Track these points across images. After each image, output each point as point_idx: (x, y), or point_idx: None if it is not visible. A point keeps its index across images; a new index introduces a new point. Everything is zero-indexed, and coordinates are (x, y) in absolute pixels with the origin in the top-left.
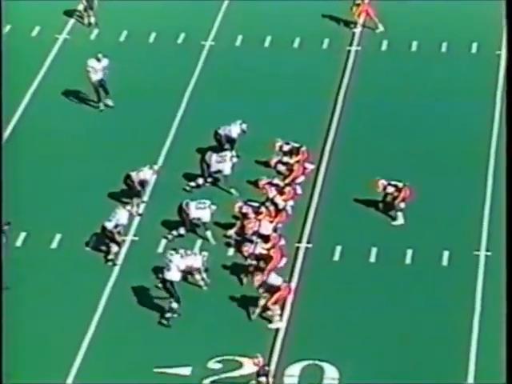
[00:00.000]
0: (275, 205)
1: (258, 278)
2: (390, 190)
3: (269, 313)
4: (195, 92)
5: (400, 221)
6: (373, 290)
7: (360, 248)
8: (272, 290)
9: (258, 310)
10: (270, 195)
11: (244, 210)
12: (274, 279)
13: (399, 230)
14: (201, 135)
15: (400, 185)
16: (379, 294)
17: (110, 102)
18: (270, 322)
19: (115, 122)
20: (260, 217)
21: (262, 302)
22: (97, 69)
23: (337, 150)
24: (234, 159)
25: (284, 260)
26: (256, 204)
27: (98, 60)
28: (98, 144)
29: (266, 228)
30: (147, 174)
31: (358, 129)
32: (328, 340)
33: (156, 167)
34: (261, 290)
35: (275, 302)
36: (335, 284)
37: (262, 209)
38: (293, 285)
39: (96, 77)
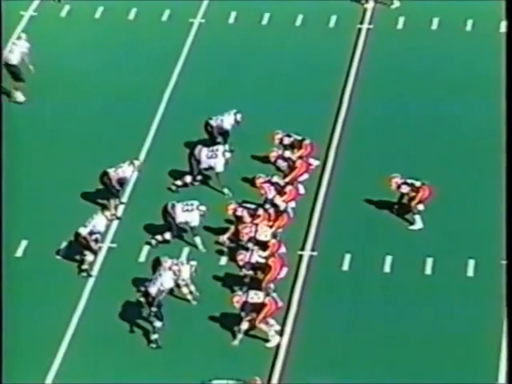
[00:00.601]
0: (275, 206)
1: (237, 300)
2: (406, 189)
3: (264, 329)
4: (182, 77)
5: (418, 225)
6: (387, 303)
7: (373, 256)
8: (256, 308)
9: (240, 336)
10: (269, 195)
11: (238, 213)
12: (255, 296)
13: (417, 236)
14: (189, 126)
15: (417, 183)
16: (395, 308)
17: (19, 96)
18: (267, 340)
19: (87, 110)
20: (257, 220)
21: (244, 326)
22: (16, 48)
23: (345, 144)
24: (228, 154)
25: (285, 270)
26: (252, 206)
27: (20, 39)
28: (70, 137)
29: (264, 233)
30: (127, 171)
31: (369, 119)
32: (335, 360)
33: (137, 163)
34: (243, 313)
35: (264, 320)
36: (344, 297)
37: (260, 211)
38: (295, 298)
39: (13, 56)
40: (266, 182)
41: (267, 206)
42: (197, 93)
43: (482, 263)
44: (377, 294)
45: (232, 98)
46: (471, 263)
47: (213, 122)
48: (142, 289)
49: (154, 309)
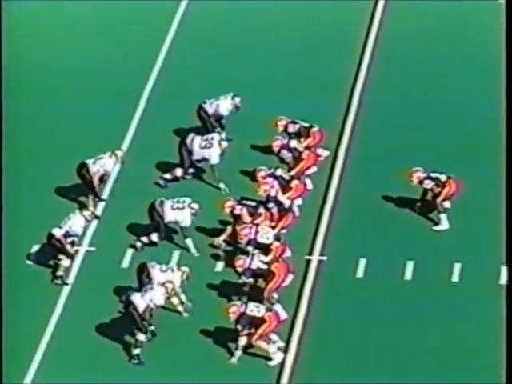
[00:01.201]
0: (279, 204)
1: (234, 310)
2: (430, 184)
3: (263, 346)
4: (170, 56)
5: (444, 225)
6: (408, 315)
7: (391, 262)
8: (255, 323)
9: (238, 353)
10: (272, 192)
11: (237, 211)
12: (255, 309)
13: (443, 238)
14: (179, 112)
15: (443, 178)
16: (417, 321)
17: None
18: (269, 358)
19: (62, 95)
20: (258, 220)
21: (242, 342)
22: None
23: (359, 133)
24: (224, 143)
25: (290, 278)
26: (253, 203)
27: None
28: (42, 124)
29: (266, 235)
30: (108, 163)
31: (386, 106)
32: (348, 380)
33: (120, 154)
34: (239, 326)
35: (262, 338)
36: (358, 309)
37: (261, 210)
38: (302, 310)
39: None
40: (268, 176)
41: (270, 204)
42: (187, 74)
43: None
44: (396, 304)
45: (228, 79)
46: (503, 270)
47: (207, 107)
48: (124, 298)
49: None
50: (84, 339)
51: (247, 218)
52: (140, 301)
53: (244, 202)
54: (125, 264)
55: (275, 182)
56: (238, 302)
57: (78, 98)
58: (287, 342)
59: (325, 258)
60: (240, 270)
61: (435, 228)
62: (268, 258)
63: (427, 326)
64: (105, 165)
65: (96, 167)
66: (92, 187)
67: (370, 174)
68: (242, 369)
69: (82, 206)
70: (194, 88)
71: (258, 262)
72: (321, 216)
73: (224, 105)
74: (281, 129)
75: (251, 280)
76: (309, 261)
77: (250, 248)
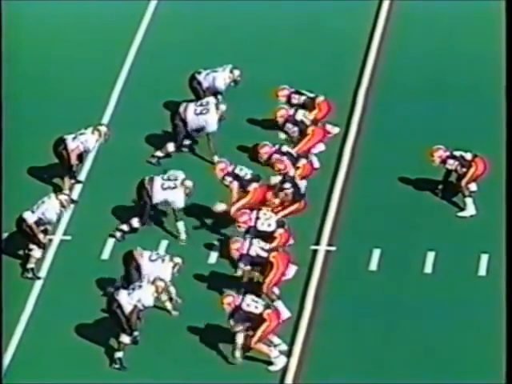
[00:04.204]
0: (295, 186)
1: (229, 302)
2: (453, 164)
3: (263, 350)
4: (156, 20)
5: (470, 211)
6: (428, 312)
7: (409, 253)
8: (251, 320)
9: (238, 352)
10: (290, 171)
11: (226, 182)
12: (252, 304)
13: (469, 226)
14: (168, 82)
15: (468, 156)
16: (437, 318)
17: None
18: (270, 363)
19: (36, 65)
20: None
21: (239, 339)
22: None
23: (373, 107)
24: (223, 107)
25: (292, 269)
26: (248, 174)
27: None
28: (18, 100)
29: (268, 221)
30: (90, 139)
31: (404, 76)
32: (360, 382)
33: (103, 129)
34: (232, 322)
35: (260, 340)
36: (371, 305)
37: (253, 186)
38: (308, 307)
39: None
40: (274, 153)
41: (287, 184)
42: (176, 41)
43: None
44: (415, 301)
45: (225, 48)
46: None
47: (201, 79)
48: (109, 294)
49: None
50: (58, 341)
51: (235, 193)
52: (127, 301)
53: (239, 170)
54: (105, 255)
55: (285, 158)
56: (235, 293)
57: (53, 69)
58: (291, 342)
59: (333, 248)
60: (236, 254)
61: (460, 214)
62: (270, 246)
63: (449, 324)
64: (86, 141)
65: (75, 143)
66: (69, 166)
67: (384, 152)
68: (242, 371)
69: (58, 189)
70: (185, 57)
71: (257, 247)
72: (329, 200)
73: (221, 77)
74: (283, 100)
75: (249, 268)
76: (315, 251)
77: (247, 235)
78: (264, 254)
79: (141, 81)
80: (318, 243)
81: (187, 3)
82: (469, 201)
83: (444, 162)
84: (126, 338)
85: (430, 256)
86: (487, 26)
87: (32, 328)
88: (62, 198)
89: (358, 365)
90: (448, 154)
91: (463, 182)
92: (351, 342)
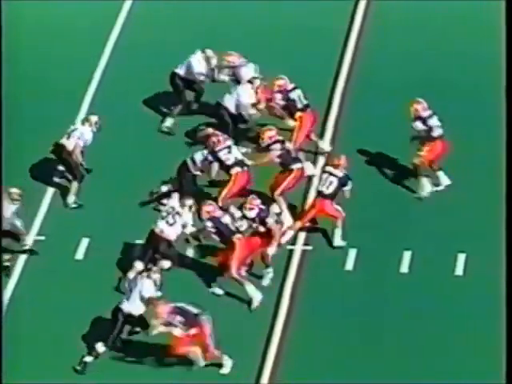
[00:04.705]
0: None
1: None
2: (419, 128)
3: (216, 354)
4: (132, 19)
5: (445, 181)
6: (405, 312)
7: (385, 252)
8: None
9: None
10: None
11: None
12: (231, 224)
13: (445, 226)
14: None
15: (436, 133)
16: (416, 319)
17: None
18: (220, 365)
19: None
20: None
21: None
22: None
23: (350, 104)
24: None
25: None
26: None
27: None
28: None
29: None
30: (85, 132)
31: (382, 71)
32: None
33: (94, 119)
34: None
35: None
36: (346, 303)
37: (235, 170)
38: (284, 306)
39: None
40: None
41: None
42: (153, 39)
43: None
44: (392, 300)
45: (198, 47)
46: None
47: (178, 70)
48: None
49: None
50: (31, 344)
51: (213, 173)
52: (128, 304)
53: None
54: (79, 255)
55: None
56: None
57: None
58: (267, 341)
59: (310, 247)
60: (206, 216)
61: (436, 189)
62: (245, 225)
63: (426, 324)
64: (82, 135)
65: (72, 142)
66: (76, 166)
67: (361, 151)
68: (216, 371)
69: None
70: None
71: (230, 219)
72: (305, 197)
73: (195, 60)
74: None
75: (212, 231)
76: (291, 251)
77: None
78: (231, 228)
79: (116, 80)
80: (293, 243)
81: (163, 3)
82: (440, 173)
83: (417, 118)
84: (101, 348)
85: (406, 255)
86: (469, 24)
87: (4, 330)
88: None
89: (335, 364)
90: (425, 114)
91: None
92: (327, 341)
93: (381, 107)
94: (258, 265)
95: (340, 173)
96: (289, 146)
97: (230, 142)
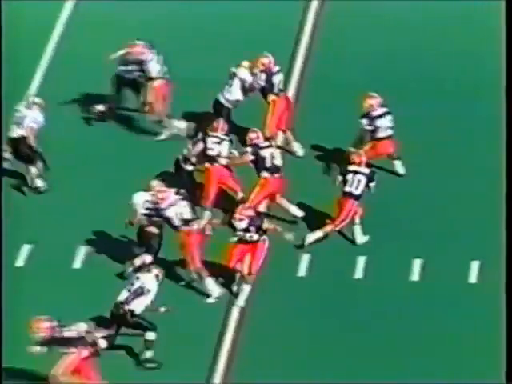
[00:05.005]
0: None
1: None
2: (365, 125)
3: None
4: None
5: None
6: (358, 320)
7: (336, 257)
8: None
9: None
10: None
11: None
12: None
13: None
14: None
15: (382, 134)
16: (368, 325)
17: None
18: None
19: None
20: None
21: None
22: None
23: (304, 104)
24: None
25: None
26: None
27: None
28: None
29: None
30: (34, 115)
31: (335, 71)
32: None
33: (38, 100)
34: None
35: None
36: (298, 305)
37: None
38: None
39: None
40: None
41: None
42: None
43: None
44: (341, 301)
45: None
46: (474, 266)
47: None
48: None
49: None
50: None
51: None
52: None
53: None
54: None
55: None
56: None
57: None
58: (219, 341)
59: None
60: (159, 201)
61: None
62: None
63: (384, 326)
64: (35, 118)
65: (24, 128)
66: (34, 153)
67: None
68: (168, 370)
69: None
70: None
71: (178, 212)
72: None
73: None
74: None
75: (156, 219)
76: None
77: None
78: (177, 224)
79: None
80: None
81: (106, 3)
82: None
83: (366, 116)
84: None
85: (361, 260)
86: (420, 24)
87: None
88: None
89: (287, 365)
90: (376, 113)
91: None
92: (280, 341)
93: (335, 105)
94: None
95: (366, 169)
96: (265, 153)
97: (223, 136)
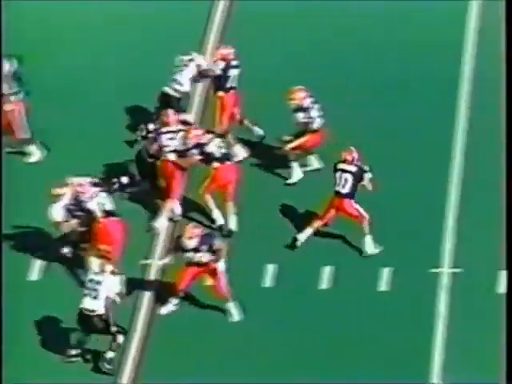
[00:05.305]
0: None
1: None
2: (300, 118)
3: None
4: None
5: (296, 176)
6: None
7: (248, 265)
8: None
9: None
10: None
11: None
12: None
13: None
14: None
15: (315, 125)
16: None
17: None
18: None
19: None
20: None
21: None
22: None
23: None
24: None
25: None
26: None
27: None
28: None
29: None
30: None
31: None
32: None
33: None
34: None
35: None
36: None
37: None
38: (145, 304)
39: None
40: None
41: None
42: None
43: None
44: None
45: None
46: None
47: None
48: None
49: (113, 328)
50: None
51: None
52: (93, 301)
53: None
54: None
55: None
56: None
57: None
58: (128, 341)
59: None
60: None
61: (288, 181)
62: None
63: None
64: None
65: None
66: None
67: None
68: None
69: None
70: None
71: (98, 204)
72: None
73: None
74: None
75: (80, 214)
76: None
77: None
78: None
79: None
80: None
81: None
82: (295, 164)
83: (298, 109)
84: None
85: (271, 268)
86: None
87: None
88: None
89: (197, 364)
90: (307, 104)
91: (289, 146)
92: (190, 341)
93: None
94: None
95: (353, 168)
96: (211, 147)
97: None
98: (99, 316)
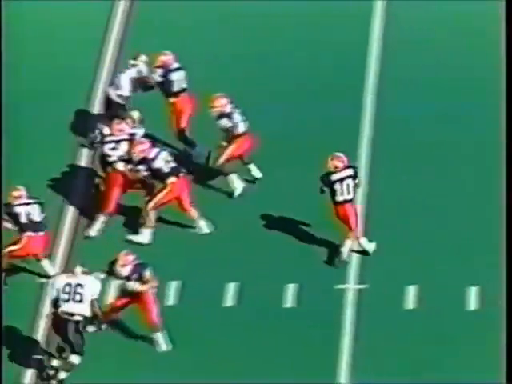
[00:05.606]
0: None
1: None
2: (225, 123)
3: None
4: None
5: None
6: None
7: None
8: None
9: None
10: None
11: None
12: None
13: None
14: None
15: (240, 130)
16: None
17: None
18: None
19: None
20: None
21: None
22: None
23: None
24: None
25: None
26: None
27: None
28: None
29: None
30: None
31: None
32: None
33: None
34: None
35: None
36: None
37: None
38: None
39: None
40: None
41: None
42: None
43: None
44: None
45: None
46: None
47: None
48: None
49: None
50: None
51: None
52: (77, 305)
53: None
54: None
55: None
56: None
57: None
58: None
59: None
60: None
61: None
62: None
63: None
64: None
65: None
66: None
67: None
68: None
69: None
70: None
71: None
72: None
73: None
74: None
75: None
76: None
77: None
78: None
79: None
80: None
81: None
82: (234, 177)
83: (222, 115)
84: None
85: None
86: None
87: None
88: None
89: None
90: (228, 110)
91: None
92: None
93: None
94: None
95: (350, 171)
96: (159, 163)
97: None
98: (76, 323)
